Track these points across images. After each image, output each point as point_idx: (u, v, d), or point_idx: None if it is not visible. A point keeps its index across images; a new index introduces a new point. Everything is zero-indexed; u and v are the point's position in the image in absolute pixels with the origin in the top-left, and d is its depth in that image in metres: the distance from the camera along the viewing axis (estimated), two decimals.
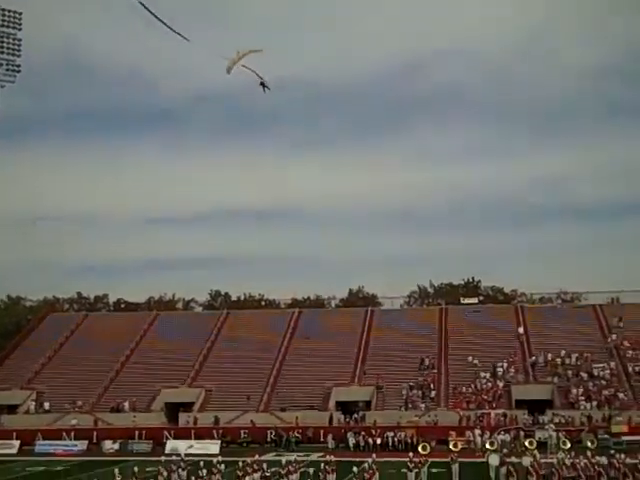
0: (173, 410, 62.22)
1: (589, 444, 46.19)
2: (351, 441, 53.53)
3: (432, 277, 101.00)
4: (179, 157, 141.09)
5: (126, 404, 62.33)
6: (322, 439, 55.33)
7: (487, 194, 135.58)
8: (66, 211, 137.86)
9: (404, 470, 35.87)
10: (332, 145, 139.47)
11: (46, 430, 58.50)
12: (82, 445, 56.17)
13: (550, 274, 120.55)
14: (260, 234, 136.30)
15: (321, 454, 46.19)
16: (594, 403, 57.15)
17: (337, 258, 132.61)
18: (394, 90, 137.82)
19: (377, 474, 34.16)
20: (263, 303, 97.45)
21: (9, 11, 62.93)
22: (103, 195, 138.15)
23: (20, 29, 63.33)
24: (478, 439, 50.81)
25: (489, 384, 61.44)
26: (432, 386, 62.15)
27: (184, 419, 60.56)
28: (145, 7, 19.93)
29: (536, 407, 57.27)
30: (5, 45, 62.90)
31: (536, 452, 37.07)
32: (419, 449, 45.60)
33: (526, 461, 33.68)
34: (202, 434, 56.60)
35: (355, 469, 32.63)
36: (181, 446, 51.34)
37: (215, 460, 35.68)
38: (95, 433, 58.09)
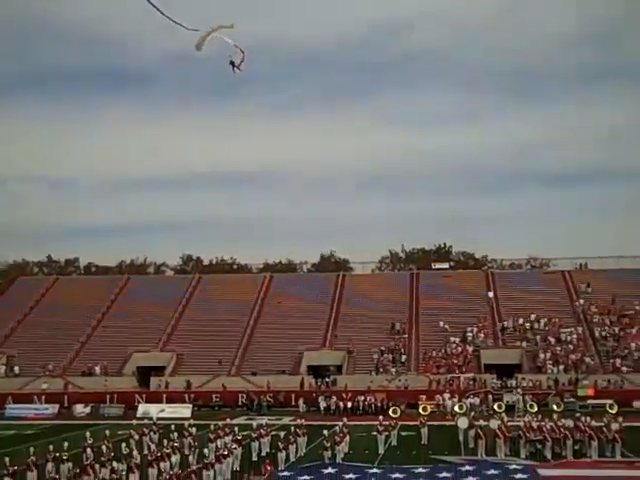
0: (145, 374, 62.28)
1: (555, 407, 46.88)
2: (322, 405, 54.05)
3: (404, 242, 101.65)
4: (149, 120, 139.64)
5: (97, 368, 62.28)
6: (293, 403, 55.74)
7: (458, 159, 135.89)
8: (35, 174, 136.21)
9: (374, 433, 36.29)
10: (302, 110, 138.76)
11: (17, 394, 58.40)
12: (53, 409, 56.11)
13: (520, 240, 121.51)
14: (232, 198, 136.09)
15: (292, 418, 46.53)
16: (561, 367, 58.10)
17: (309, 223, 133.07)
18: (364, 55, 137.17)
19: (348, 437, 34.56)
20: (235, 267, 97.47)
21: None
22: (74, 158, 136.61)
23: None
24: (447, 403, 51.47)
25: (459, 349, 62.13)
26: (402, 351, 62.74)
27: (156, 383, 60.70)
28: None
29: (505, 371, 58.08)
30: None
31: (504, 415, 37.61)
32: (389, 413, 46.10)
33: (494, 424, 34.20)
34: (174, 398, 56.77)
35: (326, 433, 32.94)
36: (153, 410, 51.43)
37: (187, 424, 35.86)
38: (66, 397, 58.09)
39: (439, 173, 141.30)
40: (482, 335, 63.90)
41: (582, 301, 67.79)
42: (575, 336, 62.13)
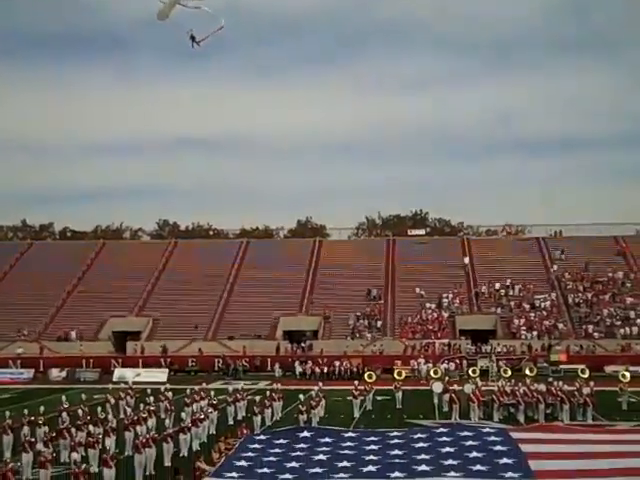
0: (121, 339, 62.29)
1: (529, 372, 47.52)
2: (298, 370, 54.37)
3: (380, 209, 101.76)
4: (127, 85, 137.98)
5: (73, 333, 62.16)
6: (269, 368, 56.04)
7: (437, 126, 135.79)
8: (9, 138, 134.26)
9: (350, 398, 36.61)
10: (283, 75, 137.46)
11: None
12: (29, 373, 56.05)
13: (496, 207, 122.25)
14: (209, 164, 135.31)
15: (268, 382, 46.82)
16: (535, 333, 58.81)
17: (286, 189, 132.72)
18: (346, 20, 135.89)
19: (323, 402, 34.84)
20: (211, 233, 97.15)
21: None
22: (49, 122, 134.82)
23: None
24: (422, 368, 51.99)
25: (434, 314, 62.63)
26: (378, 316, 63.14)
27: (132, 348, 60.73)
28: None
29: (479, 337, 58.70)
30: None
31: (478, 380, 38.05)
32: (365, 377, 46.45)
33: (468, 388, 34.64)
34: (150, 363, 56.87)
35: (302, 397, 33.17)
36: (129, 374, 51.57)
37: (163, 388, 35.95)
38: (42, 361, 57.97)
39: (416, 140, 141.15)
40: (457, 301, 64.43)
41: (556, 267, 68.44)
42: (549, 302, 62.83)
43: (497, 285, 65.81)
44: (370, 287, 67.15)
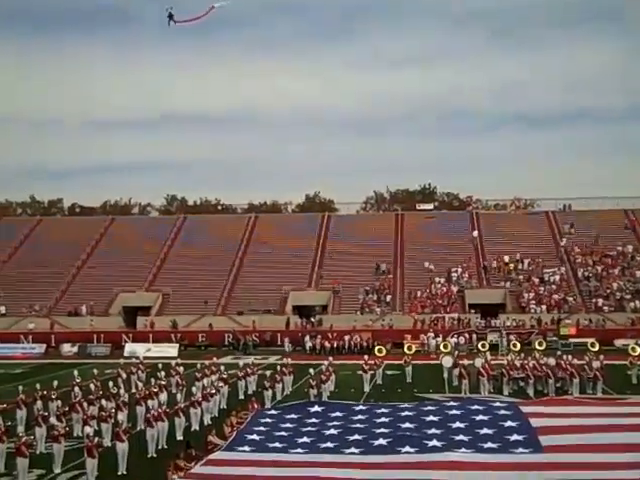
0: (131, 314, 62.53)
1: (538, 346, 47.54)
2: (308, 344, 54.49)
3: (388, 183, 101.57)
4: (132, 59, 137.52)
5: (83, 308, 62.41)
6: (279, 343, 56.20)
7: (442, 100, 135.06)
8: (17, 114, 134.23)
9: (360, 372, 36.71)
10: (287, 50, 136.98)
11: (3, 334, 58.48)
12: (41, 348, 56.45)
13: (505, 181, 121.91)
14: (217, 139, 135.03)
15: (278, 357, 47.01)
16: (544, 307, 58.76)
17: (294, 163, 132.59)
18: None
19: (333, 376, 34.97)
20: (219, 208, 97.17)
21: None
22: (56, 97, 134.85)
23: None
24: (432, 342, 52.11)
25: (443, 289, 62.62)
26: (388, 291, 63.18)
27: (142, 323, 60.97)
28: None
29: (489, 311, 58.70)
30: None
31: (487, 354, 38.09)
32: (375, 352, 46.58)
33: (478, 362, 34.66)
34: (160, 338, 57.10)
35: (312, 371, 33.31)
36: (139, 349, 51.83)
37: (174, 363, 36.13)
38: (53, 337, 58.29)
39: (424, 114, 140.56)
40: (466, 275, 64.38)
41: (565, 241, 68.26)
42: (558, 276, 62.72)
43: (506, 259, 65.71)
44: (379, 262, 67.13)
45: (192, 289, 64.54)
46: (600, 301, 59.16)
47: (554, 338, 52.98)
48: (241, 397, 32.61)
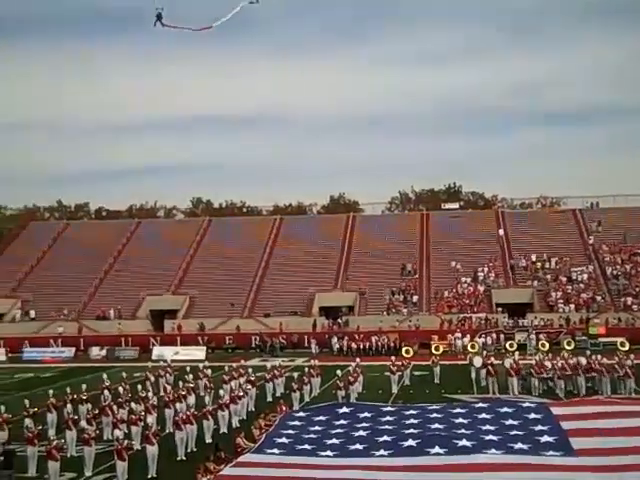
0: (158, 317, 62.83)
1: (567, 346, 47.24)
2: (335, 346, 54.44)
3: (413, 183, 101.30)
4: (156, 63, 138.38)
5: (111, 311, 62.83)
6: (306, 344, 56.20)
7: (466, 99, 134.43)
8: (43, 120, 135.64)
9: (387, 373, 36.61)
10: (313, 51, 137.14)
11: (33, 338, 59.06)
12: (70, 352, 56.89)
13: (530, 180, 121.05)
14: (241, 141, 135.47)
15: (305, 359, 47.01)
16: (572, 306, 58.26)
17: (319, 165, 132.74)
18: None
19: (361, 377, 34.93)
20: (245, 210, 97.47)
21: None
22: (80, 102, 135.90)
23: None
24: (459, 342, 51.88)
25: (470, 288, 62.31)
26: (414, 291, 62.98)
27: (169, 326, 61.25)
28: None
29: (516, 310, 58.30)
30: None
31: (516, 354, 37.87)
32: (402, 352, 46.54)
33: (507, 362, 34.46)
34: (187, 340, 57.36)
35: (339, 373, 33.26)
36: (167, 352, 52.10)
37: (201, 365, 36.25)
38: (82, 340, 58.74)
39: (448, 113, 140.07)
40: (493, 275, 64.04)
41: (593, 239, 67.67)
42: (586, 275, 62.18)
43: (533, 258, 65.27)
44: (405, 262, 66.95)
45: (219, 291, 64.75)
46: (629, 299, 58.53)
47: (583, 337, 52.55)
48: (269, 399, 32.66)
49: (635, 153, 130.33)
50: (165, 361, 40.52)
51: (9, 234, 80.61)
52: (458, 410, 23.21)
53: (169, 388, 30.41)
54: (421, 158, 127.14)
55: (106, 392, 29.98)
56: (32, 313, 63.62)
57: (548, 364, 34.24)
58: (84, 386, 29.67)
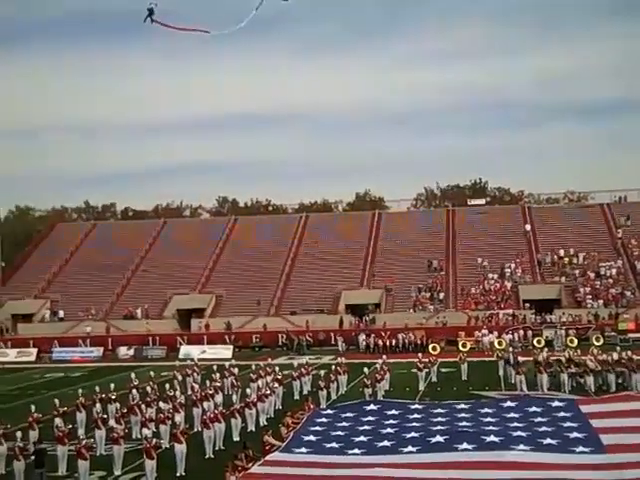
0: (185, 316, 63.10)
1: (596, 342, 46.82)
2: (362, 343, 54.38)
3: (438, 179, 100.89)
4: (181, 63, 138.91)
5: (138, 311, 63.20)
6: (333, 342, 56.18)
7: (491, 94, 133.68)
8: (67, 120, 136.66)
9: (414, 370, 36.53)
10: (335, 48, 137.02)
11: (62, 337, 59.58)
12: (98, 352, 57.33)
13: (557, 174, 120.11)
14: (265, 139, 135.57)
15: (332, 357, 47.01)
16: (601, 302, 57.72)
17: (344, 162, 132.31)
18: None
19: (388, 375, 34.85)
20: (270, 209, 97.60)
21: None
22: (104, 103, 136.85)
23: None
24: (486, 339, 51.61)
25: (497, 285, 61.95)
26: (440, 288, 62.73)
27: (196, 325, 61.49)
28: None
29: (544, 306, 57.88)
30: None
31: (545, 350, 37.59)
32: (429, 349, 46.38)
33: (536, 359, 34.23)
34: (214, 339, 57.53)
35: (366, 370, 33.21)
36: (194, 351, 52.36)
37: (228, 364, 36.35)
38: (110, 340, 59.14)
39: (472, 108, 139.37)
40: (520, 271, 63.62)
41: (621, 234, 66.98)
42: (615, 270, 61.60)
43: (561, 253, 64.76)
44: (431, 258, 66.72)
45: (245, 290, 64.92)
46: None
47: (612, 333, 52.07)
48: (296, 397, 32.65)
49: None
50: (192, 360, 40.66)
51: (38, 235, 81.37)
52: (486, 410, 23.08)
53: (197, 387, 30.50)
54: (446, 154, 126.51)
55: (134, 391, 30.14)
56: (61, 313, 64.20)
57: (577, 360, 33.97)
58: (112, 385, 29.84)
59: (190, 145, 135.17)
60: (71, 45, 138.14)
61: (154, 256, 72.49)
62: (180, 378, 34.81)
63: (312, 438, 20.88)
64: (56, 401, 26.33)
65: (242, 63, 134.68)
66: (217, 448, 24.14)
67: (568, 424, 20.58)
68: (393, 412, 23.41)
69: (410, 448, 19.34)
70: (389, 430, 21.22)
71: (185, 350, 54.58)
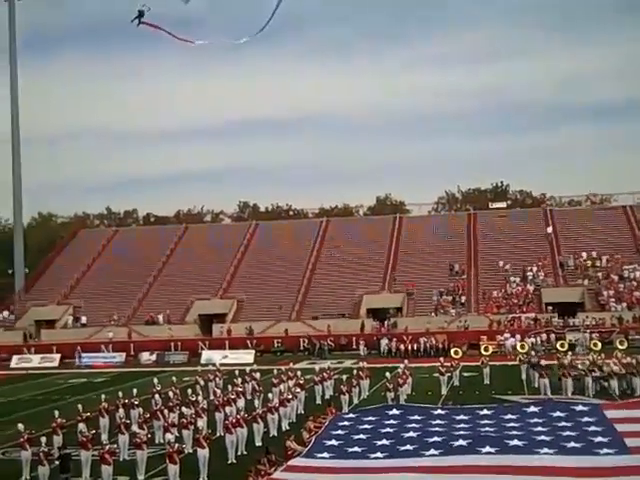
0: (207, 321, 63.27)
1: (620, 345, 46.43)
2: (383, 347, 54.26)
3: (459, 183, 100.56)
4: (198, 69, 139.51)
5: (160, 316, 63.43)
6: (354, 346, 56.09)
7: (514, 96, 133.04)
8: (87, 127, 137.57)
9: (436, 375, 36.40)
10: (352, 51, 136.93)
11: (84, 343, 59.90)
12: (120, 357, 57.60)
13: (579, 177, 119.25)
14: (286, 144, 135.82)
15: (354, 361, 46.94)
16: (624, 305, 57.24)
17: (364, 166, 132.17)
18: None
19: (410, 379, 34.74)
20: (291, 213, 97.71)
21: None
22: (125, 110, 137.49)
23: None
24: (509, 343, 51.32)
25: (519, 288, 61.61)
26: (462, 291, 62.49)
27: (218, 330, 61.62)
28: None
29: (567, 310, 57.48)
30: None
31: (569, 354, 37.33)
32: (451, 353, 46.20)
33: (561, 362, 34.00)
34: (236, 344, 57.61)
35: (388, 375, 33.12)
36: (216, 356, 52.45)
37: (249, 369, 36.39)
38: (132, 345, 59.39)
39: (493, 111, 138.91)
40: (542, 274, 63.23)
41: None
42: (638, 273, 61.06)
43: (584, 256, 64.30)
44: (452, 262, 66.51)
45: (266, 295, 65.03)
46: None
47: (636, 336, 51.63)
48: (318, 402, 32.62)
49: None
50: (214, 365, 40.75)
51: (60, 242, 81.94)
52: (509, 415, 22.93)
53: (219, 392, 30.55)
54: (467, 157, 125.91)
55: (157, 396, 30.22)
56: (83, 319, 64.61)
57: (601, 364, 33.70)
58: (135, 390, 29.97)
59: (211, 151, 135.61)
60: (91, 53, 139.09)
61: (175, 262, 72.76)
62: (202, 383, 34.90)
63: (334, 442, 20.84)
64: (79, 406, 26.46)
65: (261, 68, 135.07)
66: (239, 453, 24.15)
67: (592, 428, 20.41)
68: (415, 417, 23.32)
69: (432, 451, 19.26)
70: (411, 434, 21.14)
71: (207, 355, 54.68)
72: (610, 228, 69.81)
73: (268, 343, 58.16)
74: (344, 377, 34.83)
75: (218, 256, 71.67)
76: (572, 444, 19.04)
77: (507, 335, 52.73)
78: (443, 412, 24.16)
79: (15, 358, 57.84)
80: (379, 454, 19.45)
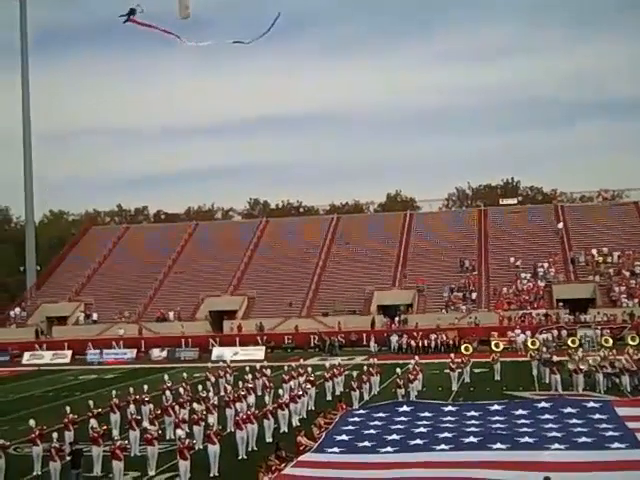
0: (217, 318, 63.37)
1: (631, 341, 46.21)
2: (394, 344, 54.25)
3: (470, 179, 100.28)
4: (209, 65, 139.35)
5: (171, 313, 63.55)
6: (365, 343, 56.08)
7: (522, 93, 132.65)
8: (100, 124, 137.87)
9: (447, 371, 36.34)
10: (363, 48, 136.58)
11: (95, 340, 60.10)
12: (131, 353, 57.72)
13: (590, 173, 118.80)
14: (296, 140, 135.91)
15: (364, 357, 46.91)
16: (636, 301, 56.99)
17: (374, 163, 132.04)
18: None
19: (421, 375, 34.70)
20: (301, 210, 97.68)
21: None
22: (136, 107, 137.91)
23: None
24: (519, 339, 51.19)
25: (530, 284, 61.41)
26: (473, 288, 62.36)
27: (228, 326, 61.71)
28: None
29: (578, 306, 57.27)
30: None
31: (579, 350, 37.21)
32: (462, 350, 46.14)
33: (574, 359, 33.90)
34: (246, 341, 57.67)
35: (399, 371, 33.10)
36: (226, 353, 52.52)
37: (260, 365, 36.42)
38: (143, 342, 59.53)
39: (503, 107, 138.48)
40: (553, 270, 63.01)
41: None
42: None
43: (594, 252, 64.04)
44: (463, 258, 66.36)
45: (277, 291, 65.06)
46: None
47: None
48: (329, 398, 32.58)
49: None
50: (225, 361, 40.80)
51: (72, 239, 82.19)
52: (520, 411, 22.92)
53: (229, 388, 30.58)
54: (478, 154, 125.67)
55: (167, 392, 30.34)
56: (94, 316, 64.81)
57: (612, 360, 33.58)
58: (146, 387, 30.05)
59: (221, 147, 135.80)
60: (102, 51, 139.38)
61: (186, 258, 72.88)
62: (213, 379, 34.93)
63: (344, 437, 20.90)
64: (91, 402, 26.56)
65: (272, 65, 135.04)
66: (250, 449, 24.18)
67: (604, 425, 20.40)
68: (426, 414, 23.38)
69: (443, 446, 19.30)
70: (422, 429, 21.20)
71: (218, 352, 54.76)
72: (621, 224, 69.50)
73: (279, 339, 58.21)
74: (354, 373, 34.78)
75: (228, 253, 71.74)
76: (583, 439, 19.04)
77: (518, 331, 52.58)
78: (454, 408, 24.21)
79: (27, 354, 58.10)
80: (389, 448, 19.49)
